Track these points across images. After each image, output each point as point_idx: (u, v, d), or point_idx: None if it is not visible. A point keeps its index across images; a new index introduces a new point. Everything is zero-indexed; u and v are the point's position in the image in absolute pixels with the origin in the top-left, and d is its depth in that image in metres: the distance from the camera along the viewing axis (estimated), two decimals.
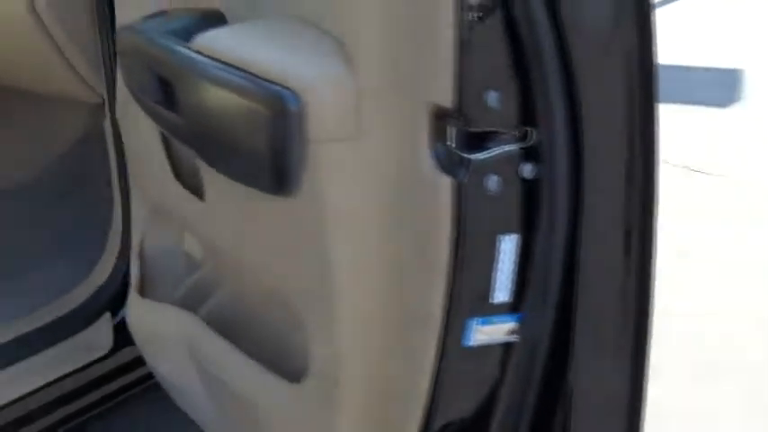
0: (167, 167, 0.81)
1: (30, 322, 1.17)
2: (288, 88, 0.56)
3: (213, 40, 0.65)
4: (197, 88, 0.65)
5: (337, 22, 0.58)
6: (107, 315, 1.23)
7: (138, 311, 0.99)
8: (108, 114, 1.17)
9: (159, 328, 0.93)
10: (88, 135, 1.49)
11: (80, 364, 1.17)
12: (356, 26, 0.57)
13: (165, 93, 0.70)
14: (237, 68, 0.60)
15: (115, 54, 1.10)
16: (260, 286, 0.79)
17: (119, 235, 1.26)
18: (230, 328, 0.85)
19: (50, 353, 1.14)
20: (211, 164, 0.70)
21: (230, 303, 0.89)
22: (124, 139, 0.96)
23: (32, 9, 1.04)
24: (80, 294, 1.24)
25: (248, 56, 0.60)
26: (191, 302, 0.88)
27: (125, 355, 1.22)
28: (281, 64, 0.58)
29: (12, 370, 1.10)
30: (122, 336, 1.23)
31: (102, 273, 1.27)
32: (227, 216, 0.77)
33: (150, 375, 1.16)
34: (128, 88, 0.81)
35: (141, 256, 1.01)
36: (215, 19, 0.72)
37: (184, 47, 0.66)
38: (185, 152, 0.81)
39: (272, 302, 0.78)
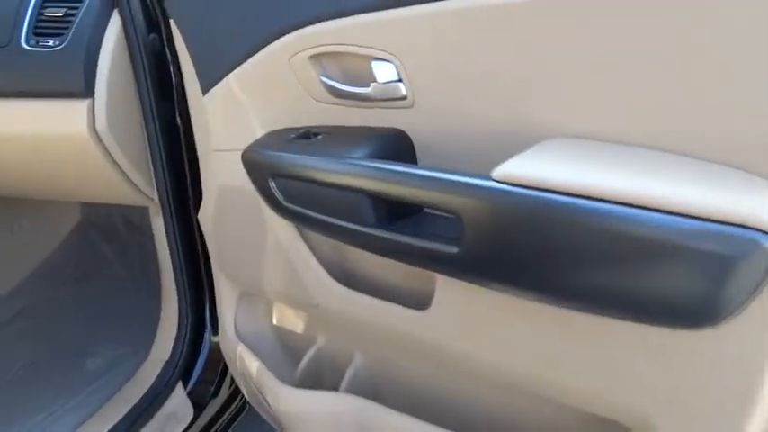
0: (314, 269, 0.91)
1: (112, 413, 1.24)
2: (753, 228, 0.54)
3: (563, 173, 0.60)
4: (539, 225, 0.61)
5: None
6: (180, 386, 1.32)
7: (285, 399, 1.05)
8: (160, 214, 1.28)
9: (312, 413, 1.01)
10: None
11: None
12: None
13: (388, 216, 0.74)
14: (645, 208, 0.57)
15: (167, 163, 1.23)
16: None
17: (174, 313, 1.37)
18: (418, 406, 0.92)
19: None
20: (524, 292, 0.66)
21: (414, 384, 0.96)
22: (213, 234, 1.07)
23: (93, 129, 1.12)
24: (148, 374, 1.33)
25: (672, 196, 0.56)
26: (317, 381, 1.01)
27: (204, 419, 1.33)
28: (731, 203, 0.55)
29: None
30: (197, 402, 1.34)
31: (162, 349, 1.36)
32: (486, 328, 0.75)
33: None
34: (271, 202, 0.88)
35: (238, 334, 1.13)
36: (388, 139, 0.77)
37: (481, 178, 0.64)
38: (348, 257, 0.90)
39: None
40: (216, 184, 1.05)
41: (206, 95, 1.02)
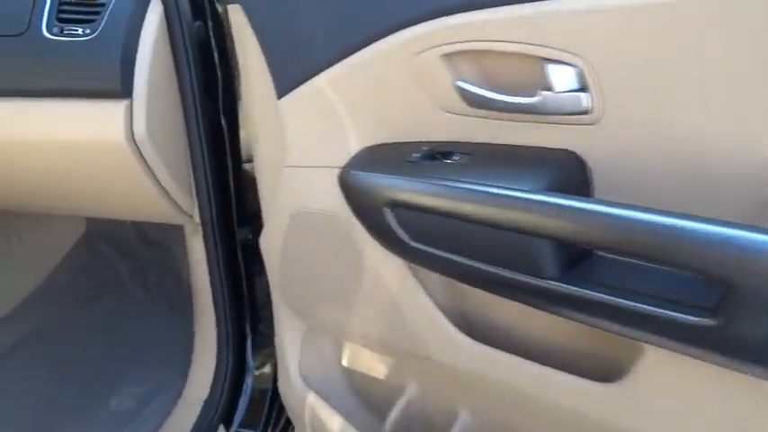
0: (431, 315, 0.73)
1: None
2: None
3: None
4: None
5: None
6: (222, 429, 1.14)
7: None
8: (200, 233, 1.09)
9: None
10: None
11: None
12: None
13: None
14: None
15: (212, 175, 1.04)
16: None
17: (210, 344, 1.18)
18: None
19: None
20: None
21: None
22: (280, 263, 0.89)
23: (130, 135, 0.92)
24: (185, 417, 1.14)
25: None
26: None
27: None
28: None
29: None
30: None
31: (198, 386, 1.17)
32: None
33: None
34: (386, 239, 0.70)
35: (304, 378, 0.95)
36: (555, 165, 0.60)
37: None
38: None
39: None
40: (289, 205, 0.87)
41: (283, 99, 0.83)
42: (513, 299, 0.62)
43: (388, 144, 0.75)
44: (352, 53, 0.73)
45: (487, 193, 0.57)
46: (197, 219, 1.12)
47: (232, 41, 1.00)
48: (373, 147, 0.75)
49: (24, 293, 1.53)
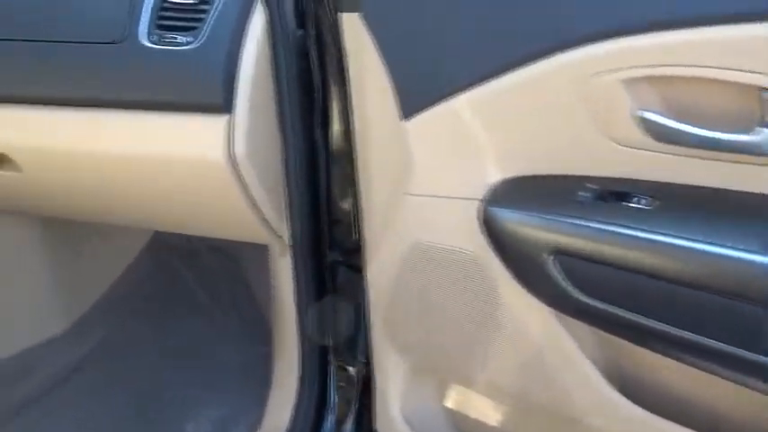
0: (587, 375, 0.64)
1: None
2: None
3: None
4: None
5: None
6: None
7: None
8: (288, 255, 1.02)
9: None
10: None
11: None
12: None
13: None
14: None
15: (308, 195, 0.96)
16: None
17: (290, 371, 1.11)
18: None
19: None
20: None
21: None
22: (390, 297, 0.81)
23: (229, 153, 0.85)
24: None
25: None
26: None
27: None
28: None
29: None
30: None
31: (278, 417, 1.10)
32: None
33: None
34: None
35: (407, 421, 0.88)
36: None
37: None
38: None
39: None
40: (408, 236, 0.78)
41: (409, 120, 0.75)
42: (715, 372, 0.53)
43: (539, 177, 0.66)
44: (501, 73, 0.64)
45: (699, 251, 0.48)
46: (287, 239, 1.04)
47: (335, 51, 0.93)
48: (521, 179, 0.67)
49: (88, 304, 1.48)
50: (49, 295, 1.43)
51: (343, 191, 1.02)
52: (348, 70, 0.84)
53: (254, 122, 0.88)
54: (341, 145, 1.00)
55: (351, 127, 0.90)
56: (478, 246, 0.68)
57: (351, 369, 1.12)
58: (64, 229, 1.40)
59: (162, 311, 1.50)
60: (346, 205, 1.04)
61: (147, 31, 0.83)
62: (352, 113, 0.88)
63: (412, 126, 0.73)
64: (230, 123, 0.86)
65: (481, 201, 0.67)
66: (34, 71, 0.87)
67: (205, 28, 0.83)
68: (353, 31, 0.79)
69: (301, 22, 0.92)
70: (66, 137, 0.90)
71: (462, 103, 0.68)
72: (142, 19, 0.84)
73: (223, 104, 0.84)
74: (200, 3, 0.84)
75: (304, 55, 0.93)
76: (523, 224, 0.61)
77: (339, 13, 0.82)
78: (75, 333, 1.46)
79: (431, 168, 0.74)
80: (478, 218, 0.66)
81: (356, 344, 1.09)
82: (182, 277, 1.51)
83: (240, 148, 0.87)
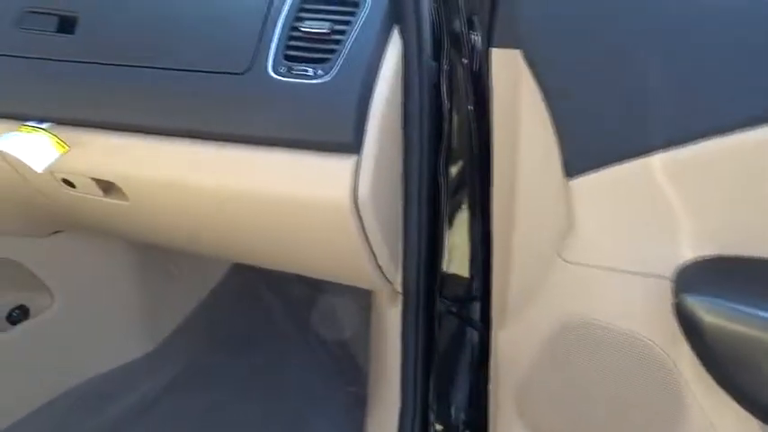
0: None
1: None
2: None
3: None
4: None
5: None
6: None
7: None
8: (399, 303, 0.93)
9: None
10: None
11: None
12: None
13: None
14: None
15: (425, 244, 0.88)
16: None
17: (389, 426, 1.02)
18: None
19: None
20: None
21: None
22: (536, 373, 0.71)
23: (354, 196, 0.78)
24: None
25: None
26: None
27: None
28: None
29: None
30: None
31: None
32: None
33: None
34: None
35: None
36: None
37: None
38: None
39: None
40: (561, 308, 0.67)
41: (575, 179, 0.66)
42: None
43: (752, 261, 0.55)
44: (714, 135, 0.54)
45: None
46: (398, 287, 0.96)
47: (469, 89, 0.85)
48: (725, 261, 0.56)
49: (171, 327, 1.45)
50: (134, 317, 1.40)
51: (465, 241, 0.94)
52: (494, 113, 0.75)
53: (381, 163, 0.80)
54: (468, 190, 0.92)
55: (490, 174, 0.81)
56: (665, 334, 0.57)
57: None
58: (152, 251, 1.37)
59: (246, 339, 1.45)
60: (466, 256, 0.96)
61: (274, 61, 0.76)
62: (493, 160, 0.79)
63: (578, 185, 0.63)
64: (357, 164, 0.77)
65: (671, 282, 0.56)
66: (150, 99, 0.82)
67: (338, 60, 0.75)
68: (508, 70, 0.70)
69: (436, 54, 0.84)
70: (179, 169, 0.84)
71: (654, 165, 0.57)
72: (271, 48, 0.77)
73: (352, 144, 0.75)
74: (333, 33, 0.76)
75: (435, 91, 0.85)
76: (738, 321, 0.51)
77: (490, 48, 0.74)
78: (158, 356, 1.42)
79: (600, 235, 0.63)
80: (671, 303, 0.56)
81: (466, 411, 1.00)
82: (269, 305, 1.45)
83: (365, 190, 0.79)
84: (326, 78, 0.75)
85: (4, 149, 0.84)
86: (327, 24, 0.76)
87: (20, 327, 1.23)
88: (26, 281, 1.23)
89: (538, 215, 0.69)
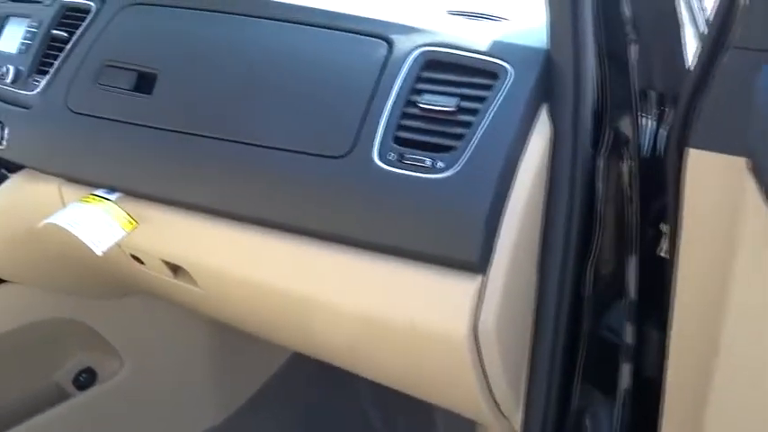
0: None
1: None
2: None
3: None
4: None
5: None
6: None
7: None
8: None
9: None
10: None
11: None
12: None
13: None
14: None
15: (556, 380, 0.68)
16: None
17: None
18: None
19: None
20: None
21: None
22: None
23: (473, 327, 0.59)
24: None
25: None
26: None
27: None
28: None
29: None
30: None
31: None
32: None
33: None
34: None
35: None
36: None
37: None
38: None
39: None
40: None
41: None
42: None
43: None
44: None
45: None
46: (517, 426, 0.76)
47: (632, 185, 0.64)
48: None
49: (244, 398, 1.31)
50: (206, 385, 1.27)
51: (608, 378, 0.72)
52: (684, 227, 0.54)
53: (511, 286, 0.60)
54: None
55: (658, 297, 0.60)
56: None
57: None
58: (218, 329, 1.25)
59: (324, 416, 1.29)
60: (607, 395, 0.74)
61: (381, 145, 0.58)
62: (676, 286, 0.57)
63: None
64: (481, 288, 0.58)
65: None
66: (230, 178, 0.67)
67: (466, 149, 0.55)
68: (714, 177, 0.49)
69: (594, 140, 0.64)
70: (257, 265, 0.68)
71: None
72: (378, 128, 0.58)
73: (477, 262, 0.56)
74: (461, 111, 0.57)
75: (589, 188, 0.65)
76: None
77: (686, 148, 0.53)
78: (230, 428, 1.30)
79: None
80: None
81: None
82: (351, 387, 1.28)
83: (488, 320, 0.59)
84: (449, 173, 0.55)
85: (65, 227, 0.73)
86: (454, 100, 0.57)
87: (87, 392, 1.15)
88: (94, 343, 1.13)
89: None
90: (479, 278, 0.56)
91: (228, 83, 0.67)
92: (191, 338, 1.21)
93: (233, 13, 0.69)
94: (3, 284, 1.02)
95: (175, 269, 0.81)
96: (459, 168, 0.55)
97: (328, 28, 0.65)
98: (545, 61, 0.58)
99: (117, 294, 1.10)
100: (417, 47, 0.61)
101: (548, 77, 0.58)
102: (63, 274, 1.00)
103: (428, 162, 0.56)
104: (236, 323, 0.87)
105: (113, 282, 1.01)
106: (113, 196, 0.78)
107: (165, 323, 1.17)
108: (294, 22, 0.66)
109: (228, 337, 1.24)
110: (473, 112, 0.57)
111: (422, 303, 0.58)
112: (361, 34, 0.63)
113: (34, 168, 0.85)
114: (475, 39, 0.61)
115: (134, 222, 0.76)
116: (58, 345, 1.13)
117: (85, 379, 1.13)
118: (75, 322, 1.10)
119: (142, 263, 0.84)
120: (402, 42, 0.62)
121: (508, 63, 0.58)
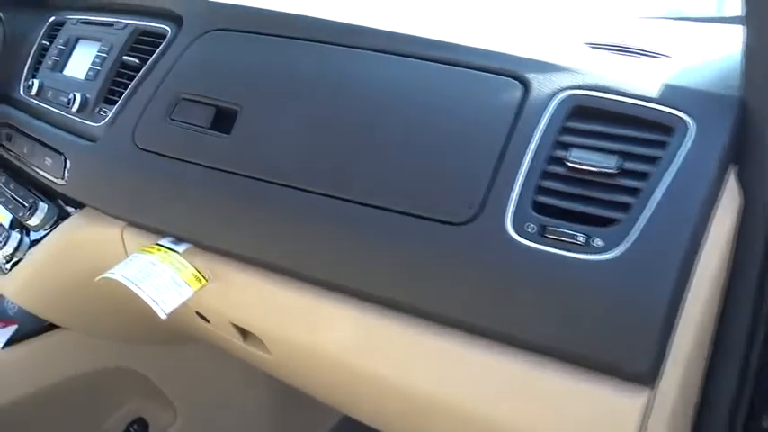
0: None
1: None
2: None
3: None
4: None
5: None
6: None
7: None
8: None
9: None
10: None
11: None
12: None
13: None
14: None
15: None
16: None
17: None
18: None
19: None
20: None
21: None
22: None
23: None
24: None
25: None
26: None
27: None
28: None
29: None
30: None
31: None
32: None
33: None
34: None
35: None
36: None
37: None
38: None
39: None
40: None
41: None
42: None
43: None
44: None
45: None
46: None
47: None
48: None
49: None
50: None
51: None
52: None
53: (684, 397, 0.48)
54: None
55: None
56: None
57: None
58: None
59: None
60: None
61: (516, 211, 0.45)
62: None
63: None
64: (648, 404, 0.45)
65: None
66: (319, 238, 0.56)
67: (634, 223, 0.42)
68: None
69: None
70: (343, 343, 0.57)
71: None
72: (512, 190, 0.46)
73: (645, 374, 0.42)
74: (623, 174, 0.44)
75: None
76: None
77: None
78: None
79: None
80: None
81: None
82: None
83: None
84: (611, 254, 0.42)
85: (126, 285, 0.64)
86: (615, 160, 0.44)
87: None
88: (148, 393, 1.04)
89: None
90: (647, 393, 0.43)
91: (324, 126, 0.56)
92: (250, 394, 1.10)
93: (333, 44, 0.59)
94: (56, 330, 0.95)
95: (245, 332, 0.71)
96: (625, 248, 0.42)
97: (448, 64, 0.54)
98: (738, 112, 0.45)
99: (175, 341, 1.01)
100: (561, 89, 0.49)
101: (740, 133, 0.46)
102: (118, 323, 0.90)
103: (581, 238, 0.43)
104: (306, 390, 0.76)
105: (172, 332, 0.92)
106: (181, 248, 0.68)
107: (223, 375, 1.07)
108: (405, 56, 0.56)
109: (289, 397, 1.14)
110: (642, 176, 0.43)
111: (566, 418, 0.46)
112: (489, 72, 0.52)
113: (95, 208, 0.78)
114: (634, 81, 0.48)
115: (203, 280, 0.66)
116: (109, 392, 1.04)
117: (137, 430, 1.05)
118: (129, 371, 1.01)
119: (207, 321, 0.74)
120: (541, 83, 0.50)
121: (687, 114, 0.45)
